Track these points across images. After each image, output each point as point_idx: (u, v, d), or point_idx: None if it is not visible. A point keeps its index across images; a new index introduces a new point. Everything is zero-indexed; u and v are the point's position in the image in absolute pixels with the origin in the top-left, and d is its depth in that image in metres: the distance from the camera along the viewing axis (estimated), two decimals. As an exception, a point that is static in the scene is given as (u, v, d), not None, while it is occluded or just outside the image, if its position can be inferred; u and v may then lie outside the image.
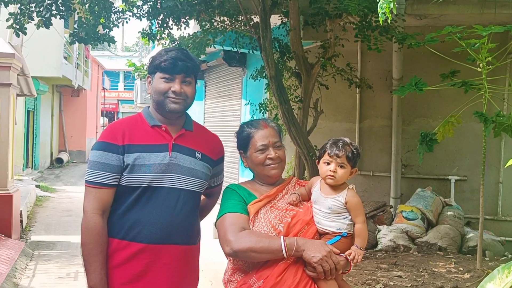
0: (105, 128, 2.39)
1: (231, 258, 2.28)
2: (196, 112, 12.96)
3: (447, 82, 5.12)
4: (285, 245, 2.09)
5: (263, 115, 7.38)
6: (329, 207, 2.20)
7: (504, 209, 7.74)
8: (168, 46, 7.83)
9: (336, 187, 2.23)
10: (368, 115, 8.06)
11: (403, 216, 6.77)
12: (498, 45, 4.77)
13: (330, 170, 2.20)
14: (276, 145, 2.32)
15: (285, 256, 2.11)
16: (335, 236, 2.19)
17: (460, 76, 5.13)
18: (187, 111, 2.40)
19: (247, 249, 2.11)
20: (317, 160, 2.33)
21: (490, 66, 4.76)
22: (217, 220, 2.28)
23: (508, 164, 1.52)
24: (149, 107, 2.41)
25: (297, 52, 6.26)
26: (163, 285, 2.28)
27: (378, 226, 6.79)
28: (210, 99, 12.18)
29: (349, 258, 2.14)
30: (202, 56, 8.37)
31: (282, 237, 2.12)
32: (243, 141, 2.38)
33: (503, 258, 6.23)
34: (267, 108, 7.28)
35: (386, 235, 6.53)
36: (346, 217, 2.21)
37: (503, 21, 6.35)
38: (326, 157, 2.23)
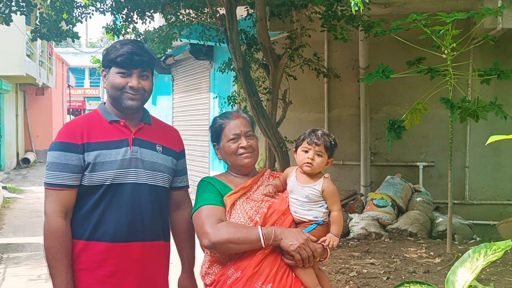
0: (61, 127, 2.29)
1: (208, 251, 2.26)
2: (164, 106, 12.82)
3: (413, 69, 5.18)
4: (263, 235, 2.09)
5: (232, 108, 7.34)
6: (306, 196, 2.22)
7: (471, 193, 7.91)
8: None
9: (312, 176, 2.26)
10: (336, 105, 8.11)
11: (373, 204, 6.86)
12: (462, 32, 4.84)
13: (308, 158, 2.22)
14: (248, 135, 2.32)
15: (263, 245, 2.10)
16: (312, 224, 2.21)
17: (426, 63, 5.20)
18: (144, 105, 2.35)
19: (225, 240, 2.10)
20: (294, 150, 2.34)
21: (455, 52, 4.83)
22: (193, 213, 2.26)
23: (489, 141, 1.55)
24: (105, 102, 2.33)
25: (264, 44, 6.24)
26: (133, 284, 2.22)
27: (349, 215, 6.86)
28: (178, 93, 12.06)
29: (325, 244, 2.16)
30: (169, 50, 8.27)
31: (259, 226, 2.12)
32: (216, 132, 2.38)
33: (472, 241, 6.38)
34: (236, 101, 7.25)
35: (358, 223, 6.59)
36: (322, 206, 2.23)
37: (465, 7, 6.47)
38: (304, 145, 2.25)
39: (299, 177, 2.28)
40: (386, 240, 6.24)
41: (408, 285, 3.05)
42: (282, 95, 6.72)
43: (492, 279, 4.38)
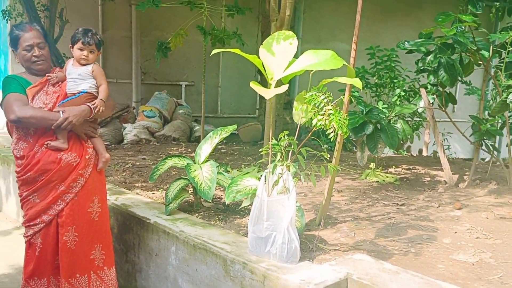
0: None
1: (15, 130, 2.90)
2: None
3: (177, 0, 6.27)
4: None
5: (6, 22, 7.44)
6: (79, 74, 2.89)
7: (221, 108, 9.68)
8: None
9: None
10: (110, 26, 8.76)
11: (144, 115, 8.00)
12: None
13: (83, 56, 2.92)
14: (39, 45, 2.92)
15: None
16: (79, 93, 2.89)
17: (189, -4, 6.31)
18: None
19: (29, 116, 2.74)
20: (70, 45, 2.98)
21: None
22: (2, 99, 2.85)
23: (214, 52, 2.62)
24: None
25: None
26: None
27: (123, 125, 7.88)
28: None
29: (90, 105, 2.85)
30: None
31: (61, 112, 2.82)
32: (14, 41, 2.93)
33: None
34: (11, 16, 7.34)
35: (131, 131, 7.68)
36: (90, 82, 2.90)
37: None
38: (79, 45, 2.92)
39: (75, 64, 2.97)
40: (154, 144, 7.51)
41: (170, 158, 4.37)
42: (59, 13, 7.14)
43: (229, 162, 6.01)
